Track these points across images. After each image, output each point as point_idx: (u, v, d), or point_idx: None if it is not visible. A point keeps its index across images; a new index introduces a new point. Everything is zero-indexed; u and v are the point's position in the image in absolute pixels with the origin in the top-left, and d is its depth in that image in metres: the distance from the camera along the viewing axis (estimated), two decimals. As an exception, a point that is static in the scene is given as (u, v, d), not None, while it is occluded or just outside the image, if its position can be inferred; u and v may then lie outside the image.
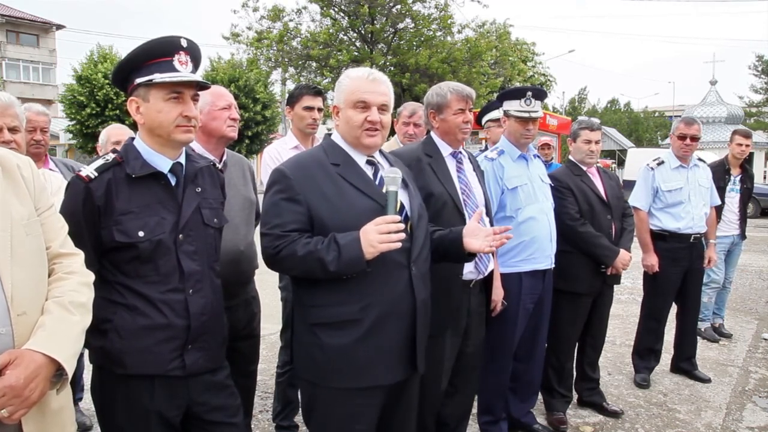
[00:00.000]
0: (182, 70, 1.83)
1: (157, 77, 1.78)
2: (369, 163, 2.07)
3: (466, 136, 2.71)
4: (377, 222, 1.84)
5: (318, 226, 1.94)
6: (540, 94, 3.15)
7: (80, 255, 1.61)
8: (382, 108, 2.03)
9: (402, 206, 2.02)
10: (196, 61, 1.90)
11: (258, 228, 2.05)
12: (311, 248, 1.87)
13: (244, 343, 2.61)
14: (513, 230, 3.08)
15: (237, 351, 2.42)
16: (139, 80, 1.80)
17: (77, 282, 1.54)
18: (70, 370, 1.42)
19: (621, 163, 28.22)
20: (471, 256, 2.25)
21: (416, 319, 2.01)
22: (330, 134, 2.15)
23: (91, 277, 1.61)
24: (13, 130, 2.36)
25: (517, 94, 3.15)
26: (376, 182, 2.03)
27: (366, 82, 2.02)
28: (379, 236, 1.82)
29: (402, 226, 1.86)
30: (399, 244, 1.85)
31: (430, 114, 2.76)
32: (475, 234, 2.16)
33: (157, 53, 1.81)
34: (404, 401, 2.14)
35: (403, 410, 2.16)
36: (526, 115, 3.10)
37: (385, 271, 1.93)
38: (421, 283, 2.04)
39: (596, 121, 3.86)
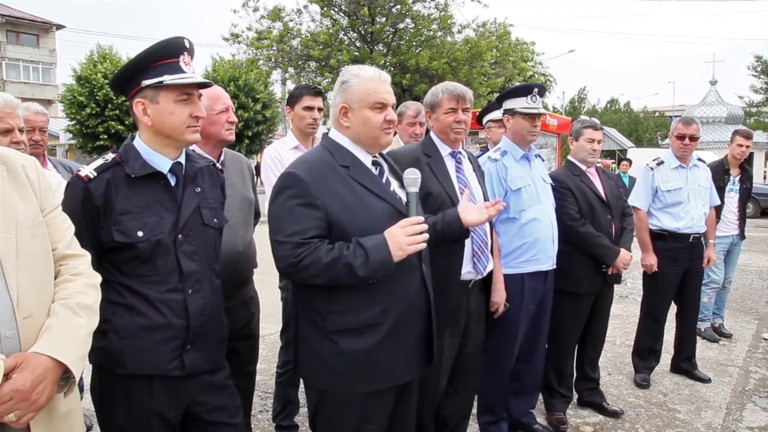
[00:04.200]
0: (187, 70, 1.83)
1: (167, 78, 1.78)
2: (374, 164, 2.07)
3: (458, 137, 2.70)
4: (403, 224, 1.86)
5: (336, 231, 1.90)
6: (543, 90, 3.18)
7: (87, 256, 1.60)
8: (393, 107, 2.06)
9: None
10: (193, 61, 1.91)
11: (270, 236, 1.96)
12: (336, 254, 1.83)
13: (242, 343, 2.60)
14: (516, 232, 3.11)
15: (235, 351, 2.41)
16: (147, 82, 1.79)
17: (84, 283, 1.53)
18: (77, 373, 1.41)
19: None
20: (468, 232, 2.33)
21: (431, 315, 2.06)
22: (327, 133, 2.13)
23: (97, 278, 1.61)
24: (21, 131, 2.44)
25: (523, 91, 3.15)
26: (383, 181, 2.05)
27: (379, 83, 2.02)
28: (407, 238, 1.84)
29: (426, 226, 1.89)
30: (425, 245, 1.89)
31: (427, 113, 2.81)
32: (470, 209, 2.23)
33: (164, 55, 1.81)
34: (406, 400, 2.15)
35: (404, 409, 2.16)
36: (534, 111, 3.11)
37: (401, 273, 1.94)
38: (430, 281, 2.08)
39: (597, 121, 3.88)
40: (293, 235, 1.86)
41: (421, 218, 1.90)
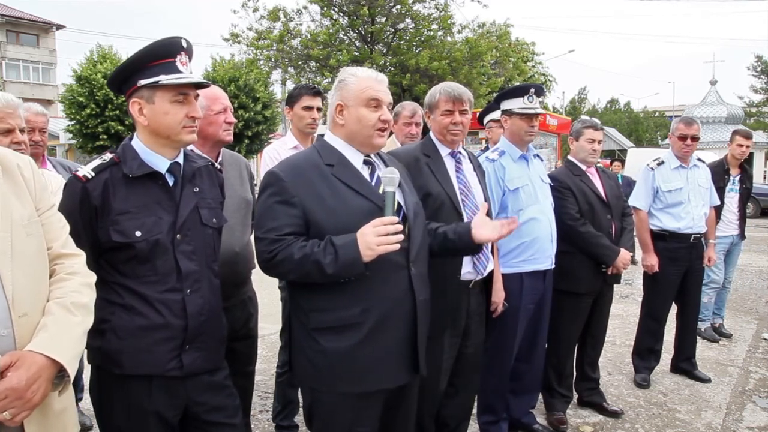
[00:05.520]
0: (184, 70, 1.83)
1: (163, 78, 1.78)
2: (366, 163, 2.06)
3: (455, 138, 2.69)
4: (375, 224, 1.82)
5: (314, 229, 1.91)
6: (540, 90, 3.18)
7: (82, 255, 1.61)
8: (388, 107, 2.05)
9: (399, 206, 2.01)
10: (191, 61, 1.91)
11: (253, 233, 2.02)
12: (307, 251, 1.84)
13: (241, 343, 2.60)
14: (514, 231, 3.09)
15: (234, 351, 2.41)
16: (143, 82, 1.79)
17: (79, 283, 1.53)
18: (72, 372, 1.41)
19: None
20: (479, 247, 2.29)
21: (417, 321, 2.00)
22: (323, 135, 2.13)
23: (92, 277, 1.61)
24: (21, 131, 2.44)
25: (520, 91, 3.16)
26: (373, 182, 2.02)
27: (376, 82, 2.03)
28: (376, 238, 1.80)
29: (400, 227, 1.84)
30: (398, 246, 1.83)
31: (426, 114, 2.82)
32: (484, 224, 2.22)
33: (161, 54, 1.81)
34: (405, 403, 2.14)
35: (403, 412, 2.15)
36: (531, 111, 3.11)
37: (385, 273, 1.92)
38: (420, 283, 2.03)
39: (598, 121, 3.88)
40: (269, 231, 1.90)
41: (395, 218, 1.85)
